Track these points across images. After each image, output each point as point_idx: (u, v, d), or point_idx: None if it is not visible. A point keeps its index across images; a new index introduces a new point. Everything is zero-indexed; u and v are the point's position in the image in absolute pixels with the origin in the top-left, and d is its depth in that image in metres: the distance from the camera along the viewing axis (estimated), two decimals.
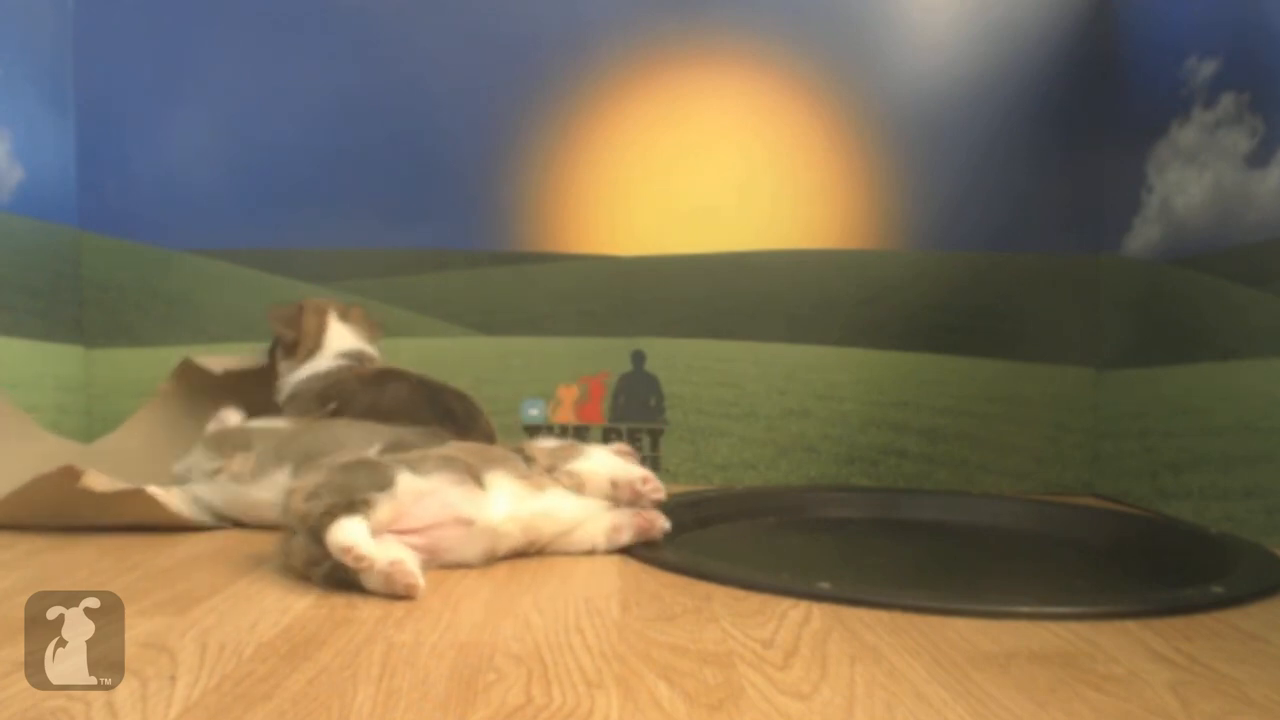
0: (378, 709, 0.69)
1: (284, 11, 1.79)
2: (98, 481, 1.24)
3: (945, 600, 0.96)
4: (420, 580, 0.98)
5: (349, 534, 0.98)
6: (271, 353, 1.58)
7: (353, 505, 1.01)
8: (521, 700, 0.70)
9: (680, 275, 1.80)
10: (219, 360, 1.57)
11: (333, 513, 0.99)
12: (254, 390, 1.54)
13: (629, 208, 1.80)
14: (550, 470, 1.20)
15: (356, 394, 1.46)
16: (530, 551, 1.17)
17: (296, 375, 1.52)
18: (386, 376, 1.50)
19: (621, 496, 1.20)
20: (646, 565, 1.13)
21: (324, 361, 1.52)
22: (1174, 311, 1.54)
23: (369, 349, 1.57)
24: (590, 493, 1.19)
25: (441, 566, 1.09)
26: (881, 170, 1.77)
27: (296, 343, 1.54)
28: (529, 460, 1.21)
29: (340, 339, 1.55)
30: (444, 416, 1.44)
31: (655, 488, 1.22)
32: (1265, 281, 1.31)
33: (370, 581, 0.98)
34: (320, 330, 1.55)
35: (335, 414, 1.44)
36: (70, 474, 1.23)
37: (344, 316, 1.59)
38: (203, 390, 1.54)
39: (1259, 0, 1.33)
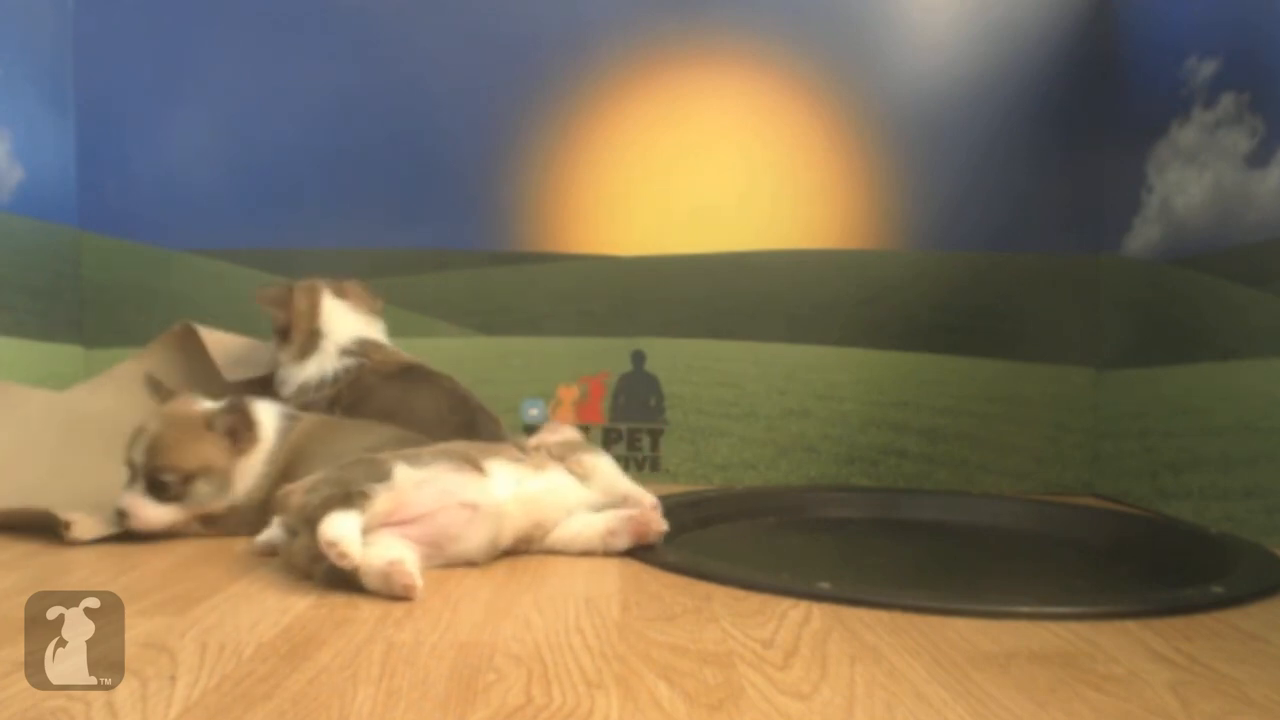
0: (378, 709, 0.69)
1: (284, 11, 1.79)
2: (85, 529, 1.20)
3: (945, 600, 0.96)
4: (418, 581, 0.97)
5: (336, 528, 0.97)
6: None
7: (349, 497, 1.00)
8: (521, 700, 0.70)
9: (680, 275, 1.80)
10: (229, 359, 1.47)
11: (328, 505, 0.99)
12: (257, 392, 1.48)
13: (629, 208, 1.80)
14: (561, 460, 1.20)
15: (375, 390, 1.40)
16: (536, 536, 1.16)
17: (302, 374, 1.45)
18: (413, 378, 1.43)
19: (617, 504, 1.20)
20: (646, 565, 1.13)
21: (329, 361, 1.45)
22: (1174, 311, 1.54)
23: (375, 335, 1.50)
24: (594, 487, 1.19)
25: (445, 564, 1.09)
26: (881, 170, 1.77)
27: (289, 326, 1.46)
28: (525, 451, 1.21)
29: (340, 322, 1.47)
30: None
31: (660, 528, 1.18)
32: (1265, 281, 1.31)
33: (369, 582, 0.98)
34: (314, 311, 1.47)
35: (348, 413, 1.38)
36: (59, 523, 1.20)
37: (339, 293, 1.50)
38: (194, 364, 1.45)
39: (1259, 0, 1.33)
